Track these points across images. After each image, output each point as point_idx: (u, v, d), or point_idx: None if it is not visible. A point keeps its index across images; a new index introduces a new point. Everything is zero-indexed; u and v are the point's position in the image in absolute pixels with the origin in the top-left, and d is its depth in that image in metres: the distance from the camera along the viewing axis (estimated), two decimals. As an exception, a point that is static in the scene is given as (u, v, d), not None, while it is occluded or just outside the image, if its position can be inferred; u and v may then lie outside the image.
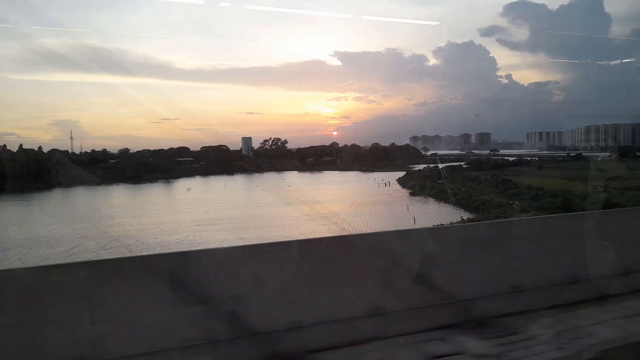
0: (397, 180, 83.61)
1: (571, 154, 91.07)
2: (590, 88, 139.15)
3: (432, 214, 54.08)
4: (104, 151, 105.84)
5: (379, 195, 68.08)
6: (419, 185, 69.36)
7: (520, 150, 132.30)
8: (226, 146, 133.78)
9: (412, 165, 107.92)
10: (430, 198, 64.18)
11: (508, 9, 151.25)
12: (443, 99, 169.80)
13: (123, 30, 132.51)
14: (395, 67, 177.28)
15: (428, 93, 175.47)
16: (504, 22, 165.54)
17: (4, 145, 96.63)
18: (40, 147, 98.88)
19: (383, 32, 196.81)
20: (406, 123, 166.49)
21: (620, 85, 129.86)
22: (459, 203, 56.71)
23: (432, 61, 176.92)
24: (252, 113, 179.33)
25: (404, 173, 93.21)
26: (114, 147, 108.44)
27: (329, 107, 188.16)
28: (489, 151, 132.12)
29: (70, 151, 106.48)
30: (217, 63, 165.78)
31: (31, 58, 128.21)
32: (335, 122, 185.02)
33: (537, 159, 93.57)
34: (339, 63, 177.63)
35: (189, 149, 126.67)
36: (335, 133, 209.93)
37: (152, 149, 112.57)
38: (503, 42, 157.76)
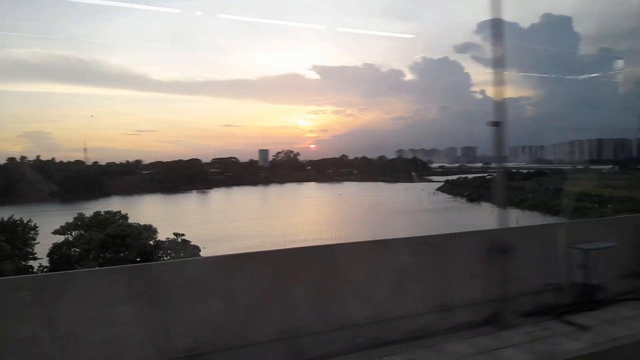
0: (437, 189, 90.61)
1: (578, 167, 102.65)
2: (560, 103, 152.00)
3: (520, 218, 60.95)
4: (137, 162, 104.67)
5: (443, 203, 74.49)
6: (476, 193, 76.61)
7: (511, 163, 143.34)
8: (236, 158, 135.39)
9: (427, 177, 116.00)
10: (493, 205, 71.40)
11: (482, 27, 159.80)
12: (419, 113, 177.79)
13: (99, 41, 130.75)
14: (373, 81, 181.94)
15: (405, 107, 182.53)
16: (477, 39, 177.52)
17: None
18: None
19: (361, 46, 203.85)
20: (384, 136, 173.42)
21: (589, 100, 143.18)
22: (534, 208, 64.31)
23: (409, 76, 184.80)
24: (230, 126, 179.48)
25: (424, 184, 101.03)
26: (87, 159, 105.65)
27: (307, 120, 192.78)
28: (481, 164, 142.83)
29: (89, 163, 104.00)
30: (194, 75, 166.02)
31: (1, 67, 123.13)
32: (314, 135, 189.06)
33: (548, 170, 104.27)
34: (318, 77, 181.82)
35: (200, 160, 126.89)
36: (313, 146, 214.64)
37: (130, 160, 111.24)
38: (477, 59, 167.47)
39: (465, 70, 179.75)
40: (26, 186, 75.66)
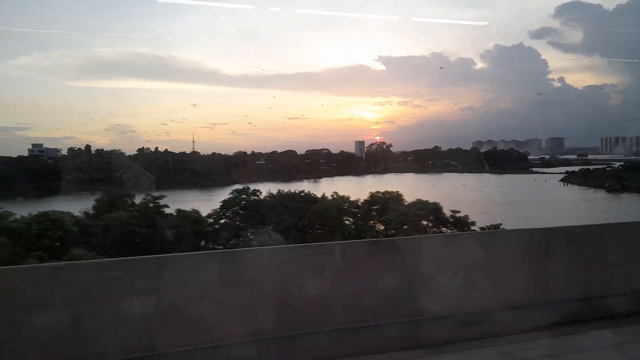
0: (559, 180, 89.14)
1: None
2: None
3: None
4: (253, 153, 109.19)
5: (586, 194, 73.29)
6: (620, 184, 74.85)
7: (606, 155, 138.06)
8: (328, 149, 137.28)
9: (533, 168, 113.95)
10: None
11: (560, 10, 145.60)
12: (491, 103, 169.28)
13: (174, 39, 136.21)
14: (441, 70, 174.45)
15: (475, 97, 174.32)
16: (556, 23, 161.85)
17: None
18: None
19: (428, 35, 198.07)
20: (452, 127, 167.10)
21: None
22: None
23: (479, 65, 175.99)
24: (296, 118, 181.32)
25: (534, 175, 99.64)
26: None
27: (372, 112, 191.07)
28: (575, 156, 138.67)
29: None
30: (262, 69, 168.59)
31: (88, 66, 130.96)
32: (379, 126, 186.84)
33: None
34: (383, 67, 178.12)
35: (296, 152, 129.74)
36: (378, 138, 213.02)
37: (202, 152, 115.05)
38: (555, 45, 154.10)
39: (541, 57, 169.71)
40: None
